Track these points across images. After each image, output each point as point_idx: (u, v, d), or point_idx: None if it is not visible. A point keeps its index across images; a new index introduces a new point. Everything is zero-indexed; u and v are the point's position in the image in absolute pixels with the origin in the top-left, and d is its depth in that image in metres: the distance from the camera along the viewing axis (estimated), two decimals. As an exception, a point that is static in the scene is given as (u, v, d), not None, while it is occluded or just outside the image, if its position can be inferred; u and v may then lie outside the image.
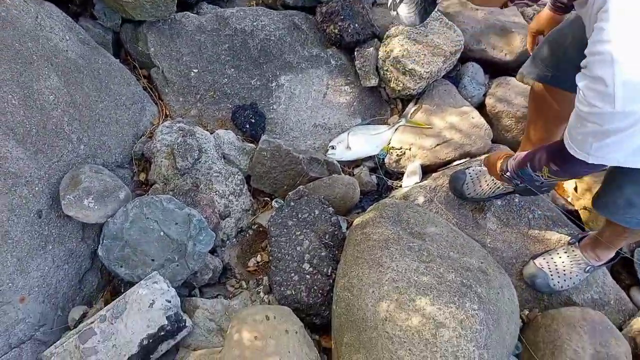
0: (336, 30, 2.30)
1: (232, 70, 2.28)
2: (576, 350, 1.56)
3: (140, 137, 2.10)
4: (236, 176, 2.02)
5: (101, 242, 1.68)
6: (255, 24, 2.31)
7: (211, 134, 2.12)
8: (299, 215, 1.84)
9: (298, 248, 1.75)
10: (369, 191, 2.14)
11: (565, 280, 1.70)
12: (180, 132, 2.01)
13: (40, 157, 1.65)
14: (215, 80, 2.27)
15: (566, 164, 1.23)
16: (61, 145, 1.72)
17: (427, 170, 2.16)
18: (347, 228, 1.98)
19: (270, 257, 1.76)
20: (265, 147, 2.04)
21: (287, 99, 2.30)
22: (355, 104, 2.36)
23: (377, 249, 1.48)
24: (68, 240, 1.71)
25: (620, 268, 1.96)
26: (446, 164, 2.13)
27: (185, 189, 1.91)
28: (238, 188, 2.01)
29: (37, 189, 1.62)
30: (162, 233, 1.67)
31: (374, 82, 2.31)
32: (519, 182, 1.52)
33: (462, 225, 1.91)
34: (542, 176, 1.36)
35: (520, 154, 1.49)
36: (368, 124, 2.31)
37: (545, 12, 1.61)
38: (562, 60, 1.53)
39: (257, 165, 2.06)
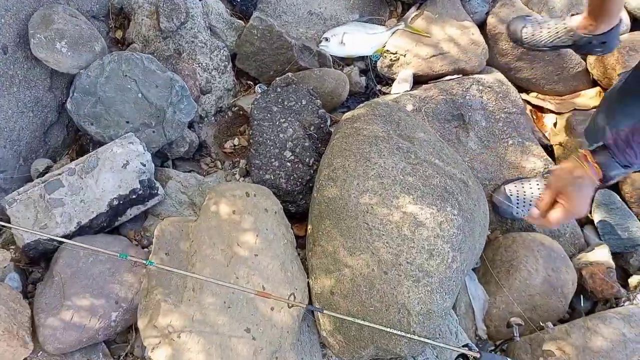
0: None
1: None
2: (530, 271, 1.65)
3: (119, -8, 1.89)
4: (221, 51, 1.89)
5: (71, 94, 1.55)
6: None
7: (199, 0, 1.94)
8: (285, 103, 1.76)
9: (281, 135, 1.69)
10: (356, 92, 2.07)
11: (525, 200, 1.76)
12: (166, -9, 1.83)
13: (7, -10, 1.45)
14: (209, -59, 2.04)
15: None
16: (32, -24, 1.52)
17: (418, 81, 2.10)
18: (331, 125, 1.93)
19: (251, 141, 1.70)
20: (256, 25, 1.90)
21: (284, -22, 2.13)
22: (355, -3, 2.22)
23: (366, 144, 1.45)
24: (34, 87, 1.56)
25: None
26: (439, 77, 2.08)
27: (167, 54, 1.77)
28: (222, 64, 1.89)
29: (2, 21, 1.44)
30: (140, 95, 1.56)
31: (378, -23, 2.16)
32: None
33: (445, 139, 1.91)
34: None
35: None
36: (365, 21, 2.19)
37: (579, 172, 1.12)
38: None
39: (245, 44, 1.93)
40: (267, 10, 2.11)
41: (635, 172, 1.46)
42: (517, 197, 1.79)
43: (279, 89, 1.81)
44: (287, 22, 2.13)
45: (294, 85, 1.82)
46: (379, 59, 2.13)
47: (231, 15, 2.02)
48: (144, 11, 1.78)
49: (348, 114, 1.62)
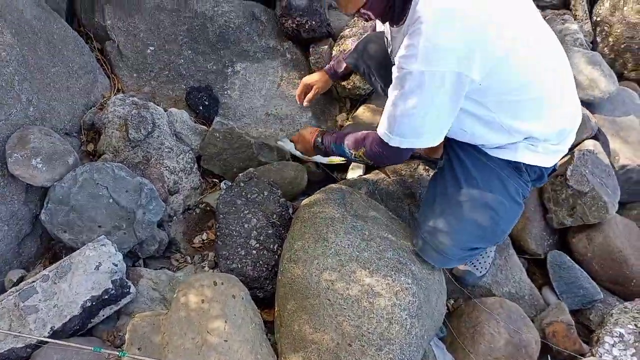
0: (294, 25, 2.39)
1: (189, 52, 2.32)
2: (493, 334, 1.74)
3: (91, 108, 2.08)
4: (187, 154, 2.06)
5: (45, 206, 1.66)
6: (215, 9, 2.36)
7: (165, 111, 2.14)
8: (248, 196, 1.90)
9: (246, 225, 1.81)
10: (316, 180, 2.24)
11: (485, 262, 1.88)
12: (134, 105, 2.02)
13: (-13, 114, 1.61)
14: (171, 59, 2.29)
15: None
16: (10, 103, 1.69)
17: (370, 166, 2.29)
18: (293, 212, 2.07)
19: (218, 233, 1.81)
20: (217, 128, 2.09)
21: (241, 85, 2.37)
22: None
23: (323, 225, 1.58)
24: (10, 201, 1.67)
25: (535, 268, 2.19)
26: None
27: (136, 161, 1.92)
28: (188, 166, 2.05)
29: (-19, 145, 1.58)
30: (111, 200, 1.68)
31: (326, 78, 2.42)
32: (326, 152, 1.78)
33: (400, 216, 2.06)
34: (355, 155, 1.59)
35: (336, 134, 1.70)
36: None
37: (321, 73, 2.01)
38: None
39: (209, 146, 2.10)
40: (228, 114, 2.32)
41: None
42: (474, 265, 1.90)
43: (242, 184, 1.96)
44: (247, 124, 2.34)
45: (255, 179, 1.98)
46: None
47: (195, 122, 2.22)
48: (114, 125, 1.95)
49: (306, 200, 1.77)
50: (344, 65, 1.95)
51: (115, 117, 1.97)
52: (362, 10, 1.38)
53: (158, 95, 2.26)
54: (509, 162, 1.53)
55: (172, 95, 2.27)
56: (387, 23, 1.52)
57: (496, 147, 1.53)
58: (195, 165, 2.10)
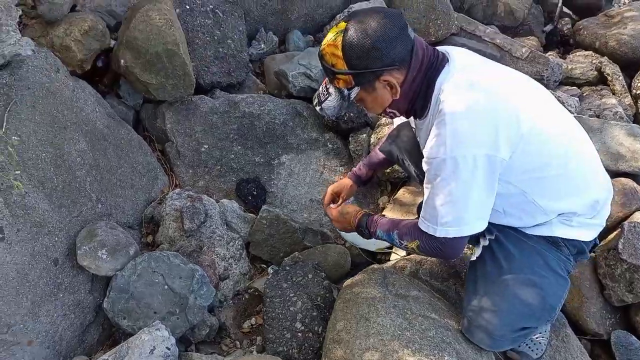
0: (333, 118, 2.58)
1: (239, 147, 2.53)
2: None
3: (151, 203, 2.29)
4: (237, 241, 2.19)
5: (107, 294, 1.80)
6: (262, 108, 2.60)
7: (217, 202, 2.31)
8: (293, 279, 1.98)
9: (291, 308, 1.87)
10: (360, 262, 2.30)
11: (541, 344, 1.80)
12: (189, 198, 2.21)
13: (63, 211, 1.82)
14: (223, 155, 2.51)
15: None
16: (82, 202, 1.90)
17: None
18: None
19: (265, 317, 1.88)
20: (265, 216, 2.23)
21: (287, 175, 2.53)
22: (348, 183, 2.59)
23: (365, 305, 1.62)
24: (77, 291, 1.82)
25: (600, 350, 2.06)
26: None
27: (190, 250, 2.06)
28: (238, 253, 2.17)
29: (56, 239, 1.77)
30: (166, 287, 1.80)
31: (366, 164, 2.55)
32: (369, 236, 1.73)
33: (445, 295, 2.04)
34: (408, 246, 1.53)
35: (384, 221, 1.64)
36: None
37: (347, 181, 2.03)
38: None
39: (257, 233, 2.23)
40: (275, 202, 2.47)
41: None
42: (531, 343, 1.83)
43: (287, 268, 2.04)
44: (292, 210, 2.47)
45: (300, 263, 2.06)
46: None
47: (244, 211, 2.37)
48: (171, 217, 2.13)
49: (348, 281, 1.81)
50: (377, 160, 2.04)
51: (172, 210, 2.15)
52: (388, 110, 1.50)
53: (211, 188, 2.45)
54: (545, 237, 1.54)
55: (223, 188, 2.46)
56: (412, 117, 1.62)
57: (532, 226, 1.56)
58: (244, 252, 2.21)
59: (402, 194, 2.51)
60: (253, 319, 2.07)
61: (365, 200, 2.57)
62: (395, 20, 1.34)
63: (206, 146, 2.51)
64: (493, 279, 1.56)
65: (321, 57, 1.43)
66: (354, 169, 2.09)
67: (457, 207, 1.34)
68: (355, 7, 3.11)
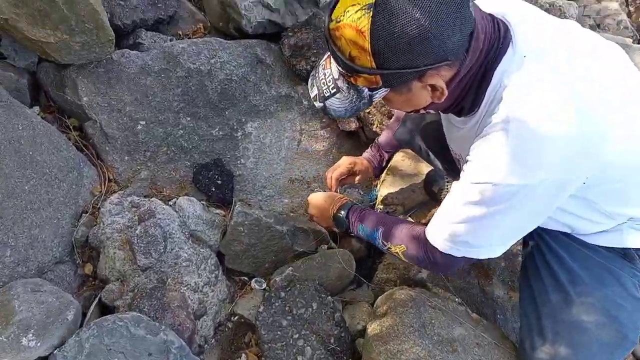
0: (309, 67, 1.97)
1: (188, 119, 1.89)
2: None
3: (81, 216, 1.67)
4: (209, 261, 1.68)
5: (47, 378, 1.29)
6: (212, 61, 1.92)
7: (168, 204, 1.74)
8: (294, 311, 1.55)
9: (300, 358, 1.46)
10: (359, 258, 1.88)
11: None
12: (134, 209, 1.63)
13: (-48, 287, 1.21)
14: (168, 132, 1.87)
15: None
16: (-21, 260, 1.29)
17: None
18: (342, 309, 1.72)
19: (266, 372, 1.46)
20: (241, 222, 1.71)
21: (256, 150, 1.96)
22: (334, 150, 2.07)
23: (411, 375, 1.24)
24: (1, 386, 1.29)
25: None
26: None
27: (149, 287, 1.53)
28: (213, 275, 1.67)
29: (-49, 332, 1.19)
30: (131, 366, 1.31)
31: (354, 125, 2.03)
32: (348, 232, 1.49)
33: (470, 294, 1.72)
34: (391, 249, 1.28)
35: (370, 214, 1.39)
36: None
37: (364, 162, 1.71)
38: None
39: (233, 243, 1.72)
40: (246, 188, 1.93)
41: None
42: None
43: (282, 293, 1.60)
44: (269, 196, 1.95)
45: (298, 285, 1.61)
46: (376, 197, 1.99)
47: (208, 208, 1.83)
48: (114, 242, 1.56)
49: (374, 328, 1.40)
50: (393, 144, 1.61)
51: (114, 232, 1.57)
52: (422, 111, 1.10)
53: (160, 179, 1.85)
54: (614, 249, 1.23)
55: (175, 177, 1.87)
56: None
57: (595, 233, 1.23)
58: (220, 270, 1.72)
59: (400, 160, 2.05)
60: (243, 356, 1.65)
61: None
62: None
63: (143, 122, 1.84)
64: (562, 315, 1.25)
65: (330, 38, 0.94)
66: (371, 151, 1.72)
67: (483, 233, 1.06)
68: None
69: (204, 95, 1.91)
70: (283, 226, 1.74)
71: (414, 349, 1.30)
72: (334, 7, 0.92)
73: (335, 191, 1.68)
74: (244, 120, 1.96)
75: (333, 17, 0.92)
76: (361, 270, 1.81)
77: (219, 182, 1.86)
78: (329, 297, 1.60)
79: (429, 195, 1.95)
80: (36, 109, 1.84)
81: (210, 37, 2.06)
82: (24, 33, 1.57)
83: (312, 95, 1.10)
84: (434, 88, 0.97)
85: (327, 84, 1.05)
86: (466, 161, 1.04)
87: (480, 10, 0.99)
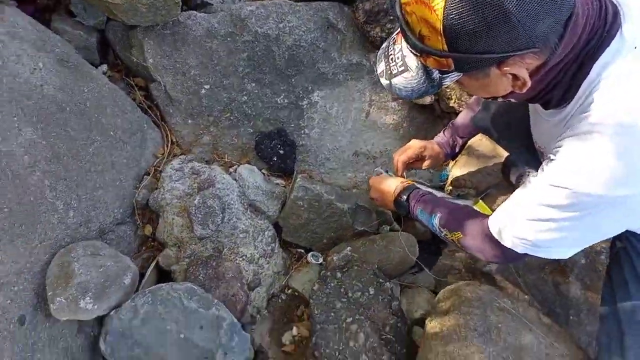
0: (384, 34, 1.82)
1: (253, 84, 1.82)
2: None
3: (143, 179, 1.68)
4: (266, 232, 1.64)
5: (104, 337, 1.32)
6: (281, 25, 1.81)
7: (229, 172, 1.71)
8: (349, 294, 1.48)
9: (352, 344, 1.40)
10: (423, 241, 1.77)
11: None
12: (194, 176, 1.60)
13: (18, 245, 1.24)
14: (232, 97, 1.81)
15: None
16: (44, 219, 1.31)
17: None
18: (400, 292, 1.64)
19: (316, 354, 1.42)
20: (301, 196, 1.64)
21: (321, 120, 1.87)
22: (405, 124, 1.93)
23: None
24: (61, 340, 1.34)
25: None
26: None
27: (205, 256, 1.52)
28: (269, 248, 1.63)
29: (15, 289, 1.23)
30: (182, 336, 1.30)
31: (429, 100, 1.87)
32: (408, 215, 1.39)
33: (544, 295, 1.57)
34: (447, 236, 1.18)
35: (430, 199, 1.31)
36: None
37: (435, 147, 1.57)
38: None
39: (292, 217, 1.67)
40: (309, 159, 1.85)
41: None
42: None
43: (338, 274, 1.53)
44: (332, 169, 1.86)
45: (356, 267, 1.54)
46: (447, 177, 1.85)
47: (269, 177, 1.78)
48: (174, 209, 1.55)
49: (433, 326, 1.30)
50: (470, 129, 1.44)
51: (173, 199, 1.56)
52: (500, 99, 0.97)
53: (221, 145, 1.81)
54: None
55: (238, 144, 1.82)
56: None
57: None
58: (277, 242, 1.67)
59: (478, 138, 1.88)
60: (294, 328, 1.62)
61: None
62: None
63: (207, 86, 1.80)
64: None
65: (401, 12, 0.84)
66: (443, 136, 1.60)
67: (555, 236, 0.93)
68: None
69: (270, 61, 1.82)
70: (345, 204, 1.66)
71: (476, 355, 1.19)
72: None
73: (402, 175, 1.57)
74: (310, 88, 1.86)
75: None
76: (424, 255, 1.70)
77: (281, 151, 1.79)
78: (388, 283, 1.51)
79: (507, 180, 1.78)
80: (104, 67, 1.84)
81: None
82: (92, -9, 1.55)
83: (378, 71, 1.02)
84: (515, 77, 0.85)
85: (395, 60, 0.96)
86: (549, 158, 0.91)
87: None
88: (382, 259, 1.58)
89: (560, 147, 0.89)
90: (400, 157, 1.58)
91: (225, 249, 1.55)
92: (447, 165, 1.92)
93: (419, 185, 1.55)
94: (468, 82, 0.91)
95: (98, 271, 1.30)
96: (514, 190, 1.04)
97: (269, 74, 1.83)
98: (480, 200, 1.75)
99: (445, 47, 0.79)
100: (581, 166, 0.84)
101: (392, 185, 1.44)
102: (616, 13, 0.84)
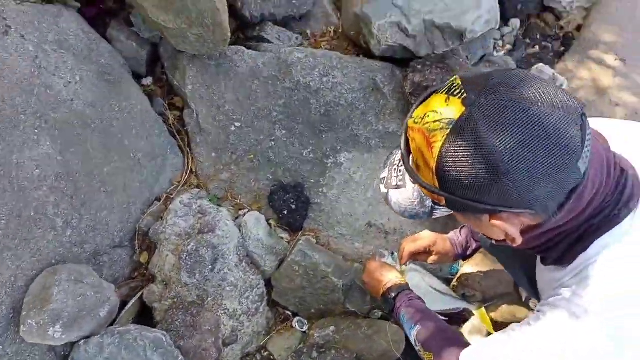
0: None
1: (284, 132, 1.79)
2: None
3: (153, 204, 1.68)
4: (255, 290, 1.60)
5: (69, 362, 1.33)
6: (324, 80, 1.77)
7: (237, 215, 1.69)
8: (320, 380, 1.42)
9: None
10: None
11: None
12: (199, 216, 1.59)
13: (7, 258, 1.26)
14: (259, 140, 1.79)
15: None
16: (39, 235, 1.33)
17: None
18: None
19: None
20: (298, 261, 1.60)
21: (342, 182, 1.82)
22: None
23: None
24: (29, 356, 1.35)
25: None
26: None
27: (188, 301, 1.51)
28: (254, 306, 1.60)
29: (-5, 300, 1.25)
30: (141, 384, 1.29)
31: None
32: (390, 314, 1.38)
33: None
34: (420, 352, 1.17)
35: (417, 306, 1.29)
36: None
37: (446, 244, 1.49)
38: None
39: (285, 279, 1.63)
40: (320, 219, 1.80)
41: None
42: None
43: (315, 353, 1.48)
44: (341, 234, 1.81)
45: (333, 352, 1.48)
46: (457, 271, 1.77)
47: (275, 228, 1.75)
48: (170, 245, 1.54)
49: None
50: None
51: (172, 235, 1.55)
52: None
53: (237, 185, 1.79)
54: None
55: (254, 188, 1.79)
56: None
57: None
58: (264, 302, 1.64)
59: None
60: (261, 393, 1.59)
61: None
62: (563, 138, 0.67)
63: (238, 124, 1.78)
64: None
65: (405, 133, 0.83)
66: (459, 235, 1.52)
67: None
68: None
69: (305, 112, 1.78)
70: (340, 279, 1.61)
71: None
72: (422, 102, 0.79)
73: (405, 264, 1.51)
74: (339, 148, 1.81)
75: (414, 114, 0.79)
76: (410, 352, 1.62)
77: (294, 206, 1.75)
78: (363, 378, 1.45)
79: (517, 293, 1.68)
80: (149, 79, 1.86)
81: (336, 42, 1.92)
82: (147, 13, 1.56)
83: (380, 176, 0.99)
84: (505, 232, 0.79)
85: (397, 173, 0.93)
86: (540, 310, 0.88)
87: (606, 157, 0.79)
88: (364, 348, 1.51)
89: (549, 307, 0.85)
90: (408, 246, 1.52)
91: (210, 299, 1.53)
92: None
93: (419, 279, 1.49)
94: (461, 218, 0.87)
95: (76, 300, 1.30)
96: (522, 306, 0.95)
97: (301, 124, 1.79)
98: (483, 309, 1.66)
99: (437, 185, 0.76)
100: (538, 340, 0.84)
101: (386, 276, 1.42)
102: (633, 195, 0.79)
